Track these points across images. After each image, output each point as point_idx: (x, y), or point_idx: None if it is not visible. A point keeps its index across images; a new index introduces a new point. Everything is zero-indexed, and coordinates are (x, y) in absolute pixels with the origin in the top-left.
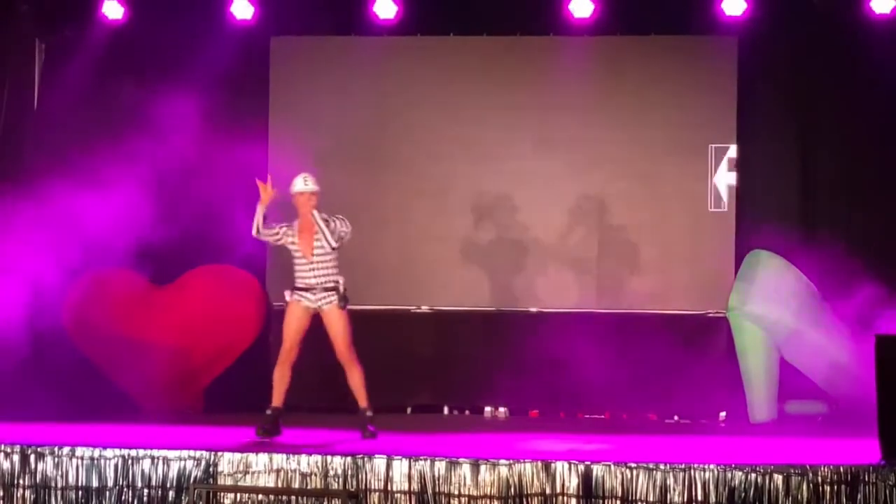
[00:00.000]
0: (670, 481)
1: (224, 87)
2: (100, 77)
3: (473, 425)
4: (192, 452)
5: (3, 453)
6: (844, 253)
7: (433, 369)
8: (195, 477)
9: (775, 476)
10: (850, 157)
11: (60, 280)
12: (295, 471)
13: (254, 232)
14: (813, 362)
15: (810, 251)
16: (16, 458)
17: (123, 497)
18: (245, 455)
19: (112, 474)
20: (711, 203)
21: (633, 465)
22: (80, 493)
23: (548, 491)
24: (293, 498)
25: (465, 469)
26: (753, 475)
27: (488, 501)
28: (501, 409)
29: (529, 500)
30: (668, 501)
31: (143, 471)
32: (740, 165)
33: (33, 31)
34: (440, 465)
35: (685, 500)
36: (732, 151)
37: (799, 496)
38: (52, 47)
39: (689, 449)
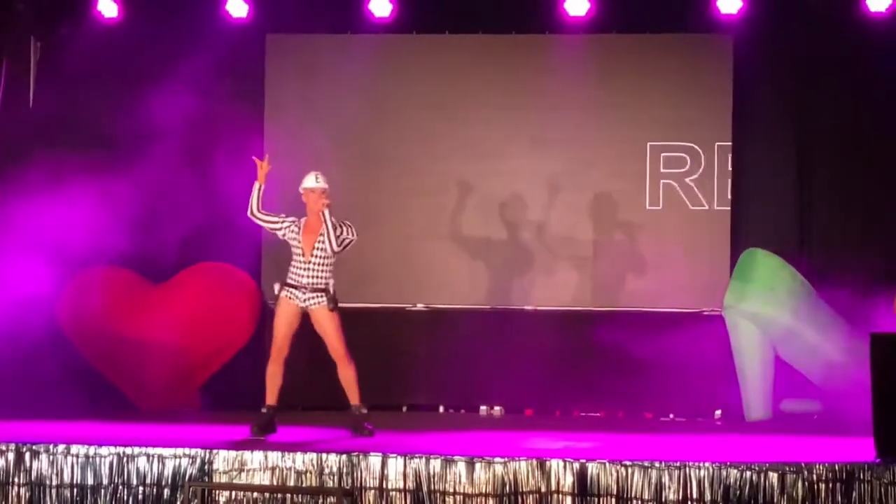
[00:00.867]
0: (665, 479)
1: (219, 86)
2: (95, 75)
3: (468, 423)
4: (187, 450)
5: None
6: (840, 251)
7: (429, 367)
8: (190, 475)
9: (770, 474)
10: (847, 154)
11: (56, 278)
12: (290, 469)
13: (248, 211)
14: (808, 360)
15: (806, 249)
16: (10, 455)
17: (118, 495)
18: (240, 453)
19: (107, 472)
20: (707, 201)
21: (628, 462)
22: (75, 490)
23: (543, 489)
24: (288, 496)
25: (461, 467)
26: (749, 473)
27: (483, 499)
28: (497, 409)
29: (524, 498)
30: (664, 499)
31: (138, 468)
32: (736, 164)
33: (29, 29)
34: (435, 463)
35: (680, 498)
36: (728, 150)
37: (794, 494)
38: (48, 45)
39: (684, 447)
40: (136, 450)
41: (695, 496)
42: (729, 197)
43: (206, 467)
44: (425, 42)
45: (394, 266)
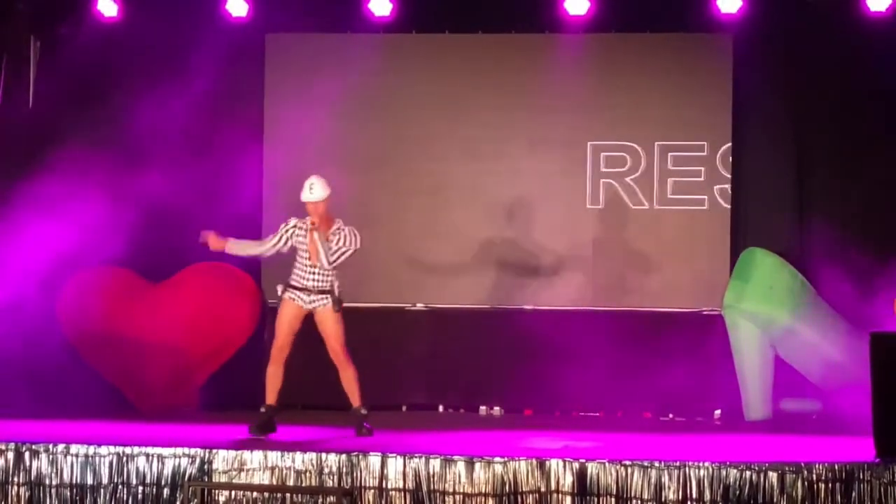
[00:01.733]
0: (665, 479)
1: (219, 85)
2: (95, 74)
3: (468, 423)
4: (186, 450)
5: None
6: (840, 250)
7: (428, 367)
8: (190, 474)
9: (770, 474)
10: (847, 154)
11: (55, 277)
12: (290, 468)
13: (260, 255)
14: (808, 360)
15: (805, 248)
16: (10, 455)
17: (118, 494)
18: (240, 452)
19: (107, 472)
20: (707, 200)
21: (627, 462)
22: (74, 490)
23: (542, 489)
24: (288, 496)
25: (460, 467)
26: (748, 473)
27: (483, 499)
28: (496, 409)
29: (524, 497)
30: (663, 499)
31: (137, 468)
32: (736, 163)
33: (28, 28)
34: (435, 463)
35: (680, 497)
36: (728, 149)
37: (794, 494)
38: (47, 45)
39: (683, 446)
40: (136, 449)
41: (694, 496)
42: (729, 196)
43: (205, 467)
44: (425, 41)
45: (393, 265)
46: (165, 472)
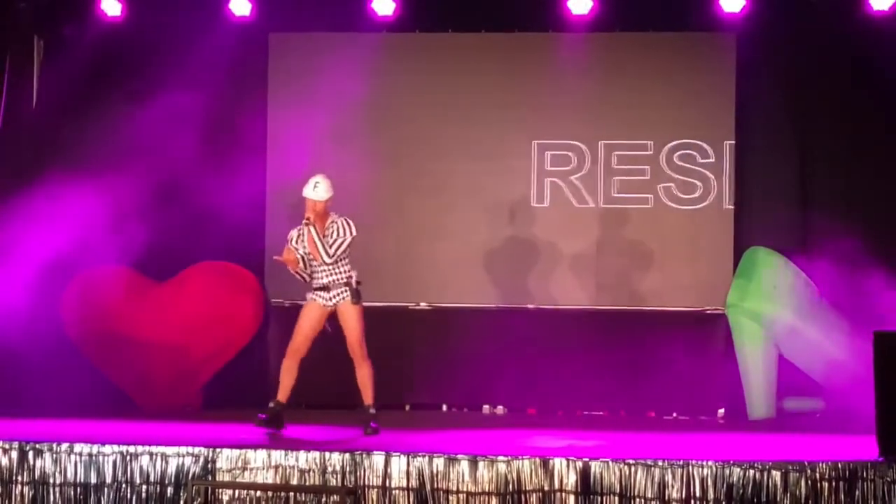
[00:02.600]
0: (668, 478)
1: (222, 84)
2: (98, 74)
3: (472, 422)
4: (190, 449)
5: (1, 449)
6: (843, 249)
7: (432, 366)
8: (193, 473)
9: (773, 472)
10: (850, 153)
11: (58, 276)
12: (293, 467)
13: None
14: (811, 359)
15: (809, 248)
16: (14, 454)
17: (122, 493)
18: (243, 451)
19: (110, 471)
20: (710, 199)
21: (631, 461)
22: (78, 489)
23: (546, 487)
24: (291, 494)
25: (464, 465)
26: (751, 471)
27: (486, 498)
28: (499, 408)
29: (527, 496)
30: (667, 498)
31: (141, 467)
32: (739, 162)
33: (32, 27)
34: (438, 462)
35: (683, 496)
36: (731, 148)
37: (797, 492)
38: (51, 44)
39: (687, 445)
40: (140, 448)
41: (698, 495)
42: (732, 195)
43: (209, 466)
44: (428, 40)
45: (397, 265)
46: (169, 471)
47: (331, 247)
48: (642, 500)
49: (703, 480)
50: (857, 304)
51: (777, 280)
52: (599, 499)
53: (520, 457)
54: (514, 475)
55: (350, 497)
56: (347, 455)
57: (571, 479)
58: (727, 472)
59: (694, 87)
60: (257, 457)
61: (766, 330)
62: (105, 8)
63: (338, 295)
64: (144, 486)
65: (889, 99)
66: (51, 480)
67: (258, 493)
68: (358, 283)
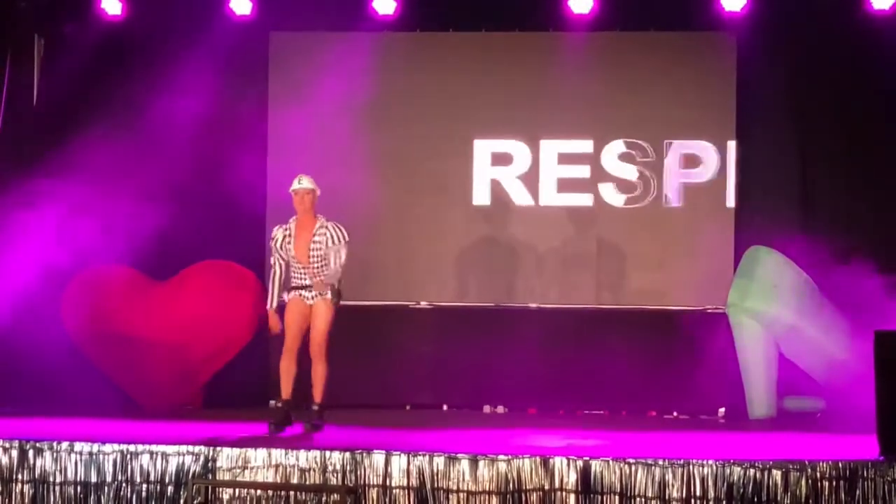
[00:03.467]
0: (669, 477)
1: (223, 83)
2: (98, 73)
3: (472, 421)
4: (190, 448)
5: (1, 448)
6: (844, 249)
7: (432, 365)
8: (194, 472)
9: (774, 472)
10: (850, 152)
11: (59, 275)
12: (293, 466)
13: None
14: (812, 358)
15: (810, 247)
16: (14, 453)
17: (122, 492)
18: (244, 450)
19: (111, 469)
20: (710, 199)
21: (631, 460)
22: (78, 488)
23: (546, 486)
24: (292, 493)
25: (464, 464)
26: (752, 471)
27: (487, 497)
28: (500, 408)
29: (528, 495)
30: (667, 497)
31: (141, 466)
32: (740, 161)
33: (32, 26)
34: (439, 461)
35: (683, 495)
36: (732, 148)
37: (797, 492)
38: (51, 43)
39: (687, 445)
40: (140, 447)
41: (698, 494)
42: (733, 194)
43: (209, 465)
44: (429, 40)
45: (397, 264)
46: (169, 469)
47: (334, 264)
48: (643, 500)
49: (703, 480)
50: (857, 303)
51: (778, 279)
52: (600, 498)
53: (520, 456)
54: (515, 474)
55: (350, 496)
56: (348, 454)
57: (572, 479)
58: (728, 471)
59: (695, 87)
60: (258, 456)
61: (767, 329)
62: (105, 7)
63: (319, 295)
64: (145, 485)
65: (889, 98)
66: (51, 479)
67: (258, 491)
68: (340, 282)
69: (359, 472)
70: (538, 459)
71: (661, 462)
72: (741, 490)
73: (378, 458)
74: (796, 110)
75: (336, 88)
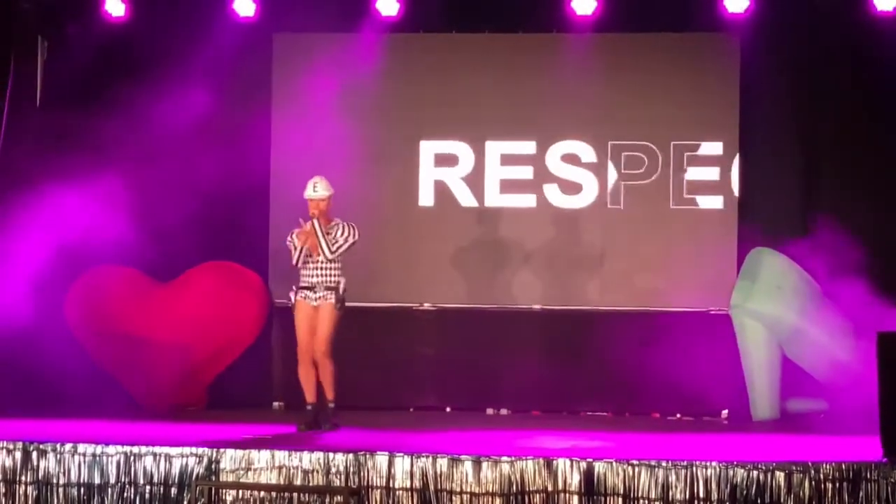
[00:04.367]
0: (672, 478)
1: (226, 85)
2: (102, 74)
3: (475, 423)
4: (194, 449)
5: (4, 450)
6: (848, 250)
7: (435, 367)
8: (197, 474)
9: (777, 473)
10: (854, 154)
11: (62, 277)
12: (297, 468)
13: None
14: (815, 360)
15: (813, 248)
16: (18, 454)
17: (125, 494)
18: (247, 452)
19: (114, 471)
20: (714, 200)
21: (635, 462)
22: (82, 489)
23: (549, 488)
24: (295, 495)
25: (467, 466)
26: (755, 472)
27: (490, 498)
28: (503, 410)
29: (531, 497)
30: (670, 498)
31: (145, 467)
32: (743, 163)
33: (35, 27)
34: (442, 462)
35: (687, 497)
36: (735, 148)
37: (801, 493)
38: (54, 44)
39: (691, 446)
40: (143, 449)
41: (701, 495)
42: (736, 196)
43: (213, 466)
44: (432, 41)
45: (401, 265)
46: (173, 471)
47: (334, 243)
48: (646, 501)
49: (706, 481)
50: (861, 304)
51: (781, 281)
52: (603, 499)
53: (523, 457)
54: (518, 476)
55: (353, 498)
56: (351, 455)
57: (575, 480)
58: (731, 472)
59: (698, 88)
60: (261, 457)
61: (771, 331)
62: (109, 8)
63: (323, 298)
64: (148, 487)
65: (893, 99)
66: (54, 481)
67: (262, 493)
68: (345, 290)
69: (362, 474)
70: (542, 461)
71: (664, 463)
72: (744, 492)
73: (381, 459)
74: (799, 111)
75: (339, 90)
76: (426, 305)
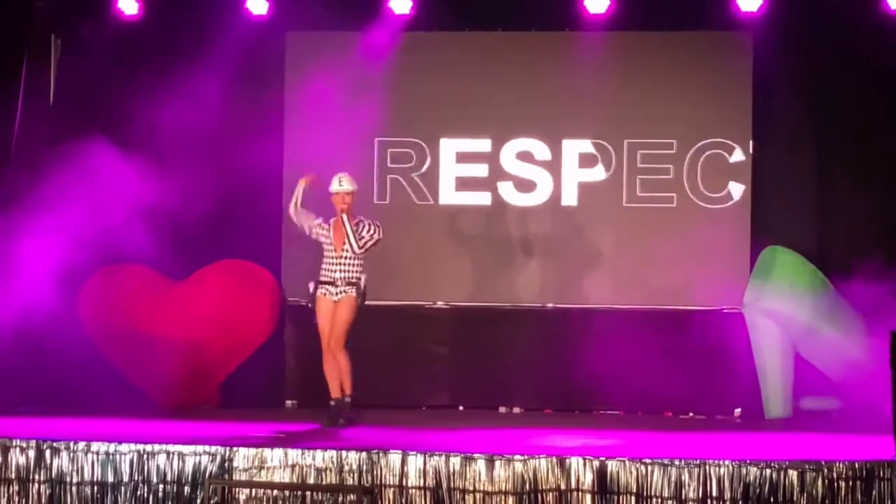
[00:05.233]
0: (685, 477)
1: (239, 83)
2: (115, 73)
3: (488, 421)
4: (207, 448)
5: (18, 448)
6: (860, 248)
7: (448, 365)
8: (210, 472)
9: (790, 472)
10: (867, 152)
11: (76, 275)
12: (310, 466)
13: (291, 209)
14: (828, 358)
15: (826, 246)
16: (31, 453)
17: (139, 492)
18: (260, 450)
19: (127, 469)
20: (727, 198)
21: (648, 460)
22: (95, 488)
23: (563, 486)
24: (308, 493)
25: (480, 464)
26: (768, 471)
27: (503, 497)
28: (516, 409)
29: (544, 495)
30: (683, 497)
31: (158, 466)
32: (756, 161)
33: (48, 26)
34: (455, 461)
35: (700, 495)
36: (748, 147)
37: (814, 492)
38: (68, 43)
39: (703, 445)
40: (157, 447)
41: (714, 494)
42: (749, 194)
43: (226, 465)
44: (445, 39)
45: (414, 264)
46: (186, 469)
47: (361, 239)
48: (659, 500)
49: (719, 480)
50: (874, 302)
51: (794, 279)
52: (616, 498)
53: (536, 456)
54: (531, 474)
55: (367, 496)
56: (364, 454)
57: (588, 479)
58: (744, 471)
59: (711, 86)
60: (274, 456)
61: (784, 329)
62: (122, 7)
63: (344, 292)
64: (161, 485)
65: None
66: (68, 479)
67: (275, 492)
68: (366, 286)
69: (375, 472)
70: (554, 459)
71: (677, 462)
72: (757, 490)
73: (394, 458)
74: (813, 109)
75: (352, 88)
76: (439, 304)
